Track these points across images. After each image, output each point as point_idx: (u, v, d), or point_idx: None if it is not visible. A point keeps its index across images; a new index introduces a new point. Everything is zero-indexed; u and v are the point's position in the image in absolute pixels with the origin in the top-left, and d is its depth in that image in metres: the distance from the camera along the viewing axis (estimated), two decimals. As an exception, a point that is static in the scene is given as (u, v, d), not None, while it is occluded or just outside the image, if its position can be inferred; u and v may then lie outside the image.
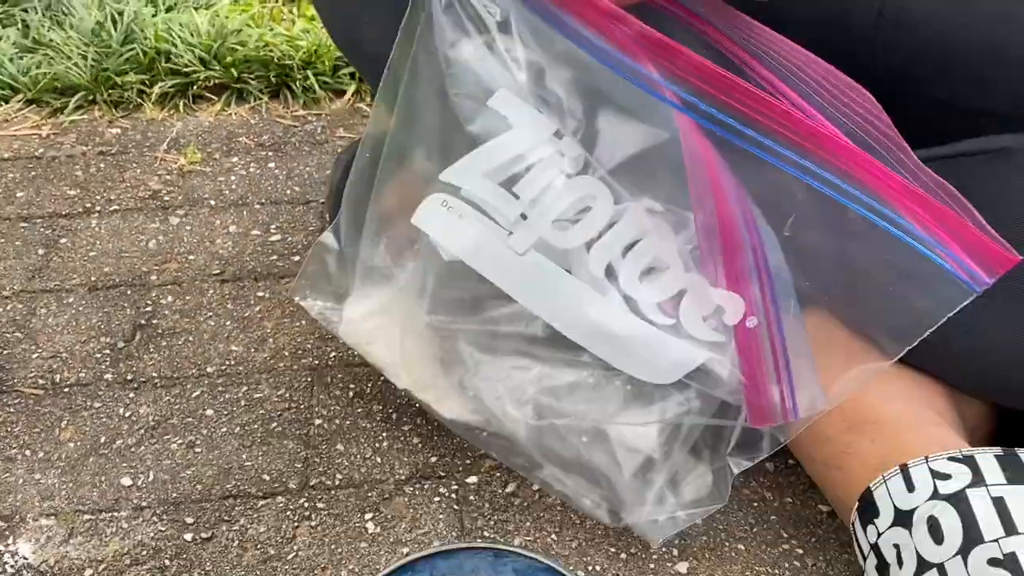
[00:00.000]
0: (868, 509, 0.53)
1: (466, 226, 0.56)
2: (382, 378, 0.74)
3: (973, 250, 0.47)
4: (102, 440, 0.68)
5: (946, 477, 0.50)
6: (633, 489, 0.58)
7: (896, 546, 0.50)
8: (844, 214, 0.49)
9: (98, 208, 0.94)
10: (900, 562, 0.49)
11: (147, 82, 1.13)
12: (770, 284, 0.53)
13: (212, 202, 0.96)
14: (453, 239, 0.56)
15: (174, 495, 0.64)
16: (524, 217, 0.54)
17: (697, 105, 0.49)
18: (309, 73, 1.15)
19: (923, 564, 0.48)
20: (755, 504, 0.64)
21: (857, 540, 0.54)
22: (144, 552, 0.60)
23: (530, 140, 0.54)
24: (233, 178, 1.00)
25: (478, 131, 0.55)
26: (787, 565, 0.60)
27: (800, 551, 0.61)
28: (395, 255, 0.62)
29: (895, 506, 0.51)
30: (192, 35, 1.16)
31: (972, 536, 0.46)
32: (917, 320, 0.49)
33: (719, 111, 0.49)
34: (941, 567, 0.47)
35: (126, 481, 0.65)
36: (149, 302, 0.82)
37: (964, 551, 0.46)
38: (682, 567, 0.60)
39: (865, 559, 0.53)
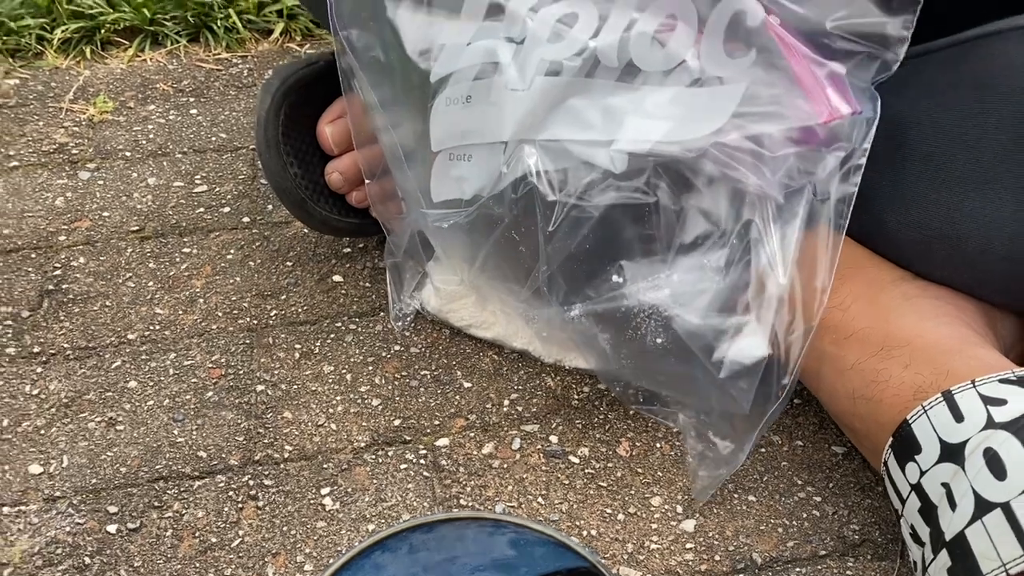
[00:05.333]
0: (906, 445, 0.46)
1: (472, 108, 0.52)
2: (331, 335, 0.65)
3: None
4: (5, 423, 0.58)
5: (1001, 402, 0.43)
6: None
7: (945, 485, 0.43)
8: None
9: (-5, 165, 0.82)
10: (952, 503, 0.42)
11: (47, 27, 1.00)
12: None
13: (128, 154, 0.85)
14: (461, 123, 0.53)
15: (93, 481, 0.55)
16: (519, 48, 0.50)
17: None
18: (231, 12, 1.03)
19: (983, 504, 0.41)
20: (762, 450, 0.57)
21: (892, 481, 0.47)
22: (59, 550, 0.51)
23: None
24: (151, 127, 0.89)
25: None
26: (804, 515, 0.53)
27: (818, 498, 0.54)
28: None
29: (940, 439, 0.44)
30: (96, -26, 1.04)
31: (1044, 467, 0.39)
32: None
33: None
34: (1007, 507, 0.40)
35: (35, 469, 0.55)
36: (58, 265, 0.71)
37: (1032, 486, 0.40)
38: (688, 525, 0.52)
39: (904, 502, 0.46)
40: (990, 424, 0.42)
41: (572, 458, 0.56)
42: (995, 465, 0.41)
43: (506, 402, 0.60)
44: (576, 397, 0.60)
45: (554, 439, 0.57)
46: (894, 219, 0.53)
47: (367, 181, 0.62)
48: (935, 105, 0.52)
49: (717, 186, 0.47)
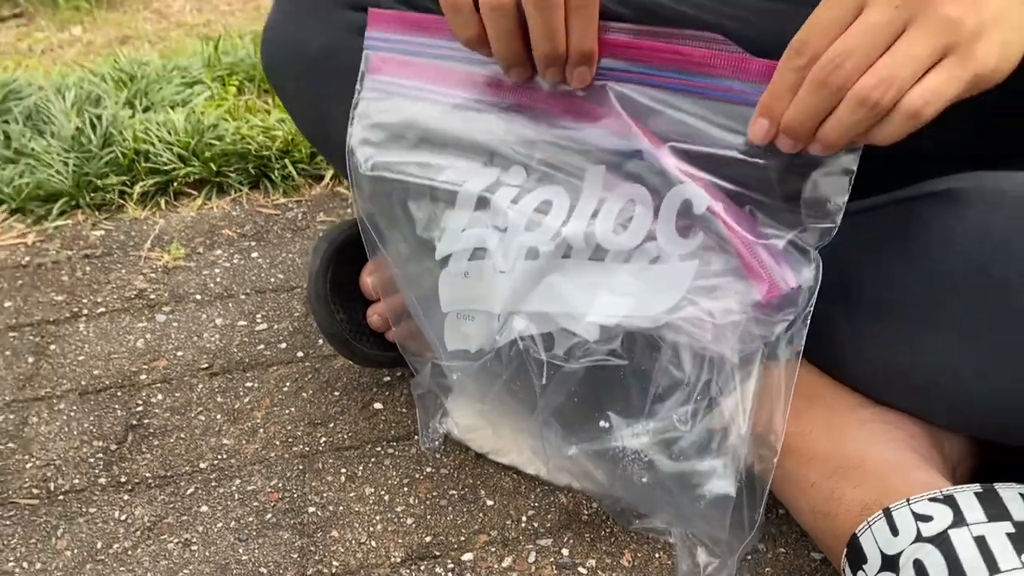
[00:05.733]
0: (856, 555, 0.53)
1: (469, 281, 0.62)
2: (372, 459, 0.75)
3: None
4: (98, 546, 0.69)
5: (928, 519, 0.50)
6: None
7: (886, 592, 0.50)
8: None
9: (85, 312, 0.95)
10: (891, 608, 0.50)
11: (128, 183, 1.15)
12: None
13: (198, 296, 0.97)
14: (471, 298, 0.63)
15: (172, 596, 0.65)
16: (503, 235, 0.60)
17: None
18: (287, 161, 1.17)
19: (913, 609, 0.48)
20: (749, 557, 0.64)
21: (850, 588, 0.54)
22: (144, 657, 0.60)
23: (480, 180, 0.60)
24: (217, 271, 1.01)
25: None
26: (786, 618, 0.60)
27: (798, 602, 0.61)
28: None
29: (881, 551, 0.51)
30: (170, 133, 1.19)
31: (957, 578, 0.47)
32: None
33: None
34: (931, 611, 0.47)
35: (124, 586, 0.66)
36: (140, 402, 0.83)
37: (952, 593, 0.47)
38: (682, 629, 0.60)
39: (859, 606, 0.53)
40: (919, 538, 0.50)
41: (581, 569, 0.64)
42: (921, 574, 0.48)
43: (524, 518, 0.69)
44: (586, 512, 0.69)
45: (565, 552, 0.66)
46: (851, 353, 0.61)
47: (393, 328, 0.73)
48: (885, 253, 0.60)
49: (681, 349, 0.56)
